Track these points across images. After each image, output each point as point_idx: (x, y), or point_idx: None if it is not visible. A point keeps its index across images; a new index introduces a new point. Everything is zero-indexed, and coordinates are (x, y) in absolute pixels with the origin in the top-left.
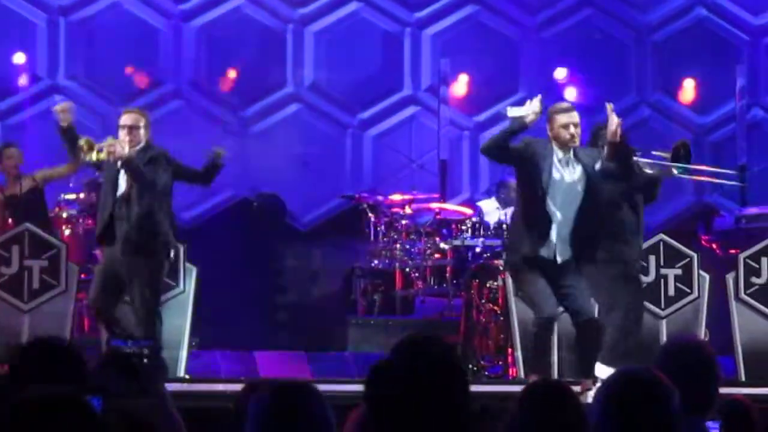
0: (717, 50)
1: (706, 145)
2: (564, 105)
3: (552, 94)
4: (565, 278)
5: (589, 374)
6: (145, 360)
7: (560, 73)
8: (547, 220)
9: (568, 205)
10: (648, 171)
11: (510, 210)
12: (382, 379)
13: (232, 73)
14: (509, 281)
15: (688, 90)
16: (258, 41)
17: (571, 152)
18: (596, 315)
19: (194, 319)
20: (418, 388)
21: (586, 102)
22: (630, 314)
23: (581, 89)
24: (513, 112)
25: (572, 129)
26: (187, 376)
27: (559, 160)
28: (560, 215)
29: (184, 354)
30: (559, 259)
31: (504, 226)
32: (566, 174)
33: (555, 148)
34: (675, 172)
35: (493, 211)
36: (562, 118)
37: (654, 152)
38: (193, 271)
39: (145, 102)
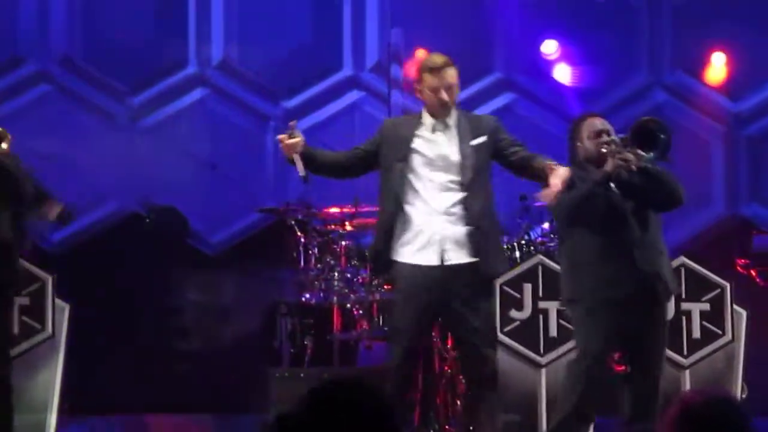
0: (756, 13)
1: (742, 141)
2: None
3: (537, 74)
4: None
5: None
6: None
7: (549, 47)
8: None
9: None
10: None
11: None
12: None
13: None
14: None
15: (716, 67)
16: (152, 4)
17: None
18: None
19: (67, 374)
20: None
21: (582, 84)
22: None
23: (576, 67)
24: None
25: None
26: None
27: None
28: None
29: (53, 420)
30: None
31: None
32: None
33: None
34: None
35: None
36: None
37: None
38: (65, 310)
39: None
